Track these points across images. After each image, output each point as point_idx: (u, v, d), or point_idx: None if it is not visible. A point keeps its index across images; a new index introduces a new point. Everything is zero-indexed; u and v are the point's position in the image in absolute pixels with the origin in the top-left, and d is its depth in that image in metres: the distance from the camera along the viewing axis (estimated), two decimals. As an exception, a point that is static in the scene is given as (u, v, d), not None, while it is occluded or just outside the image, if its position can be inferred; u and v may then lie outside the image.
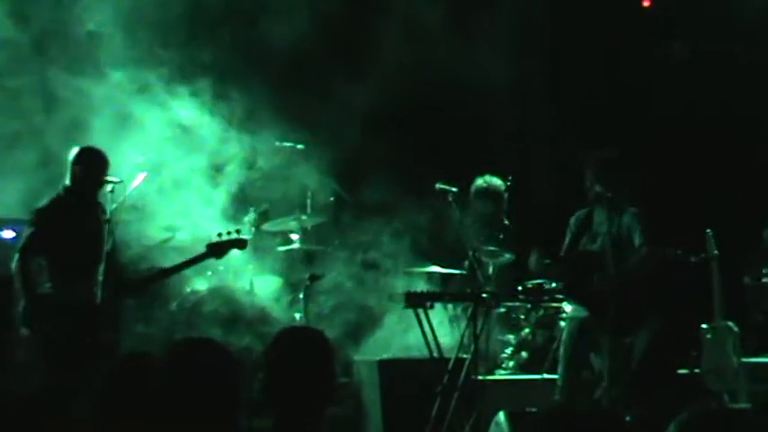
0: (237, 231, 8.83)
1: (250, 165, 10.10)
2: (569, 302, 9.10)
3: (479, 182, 10.43)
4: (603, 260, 8.63)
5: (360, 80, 10.17)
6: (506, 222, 10.40)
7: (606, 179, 8.71)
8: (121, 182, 8.68)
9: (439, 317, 9.51)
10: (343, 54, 10.31)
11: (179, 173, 9.84)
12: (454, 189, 9.97)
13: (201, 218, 9.88)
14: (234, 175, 10.07)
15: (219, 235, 8.79)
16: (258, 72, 9.95)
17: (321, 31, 10.18)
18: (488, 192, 10.38)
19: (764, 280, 9.84)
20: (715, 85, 11.17)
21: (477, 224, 10.32)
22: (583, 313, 8.76)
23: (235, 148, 9.99)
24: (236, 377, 4.62)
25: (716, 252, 9.75)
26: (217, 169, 9.97)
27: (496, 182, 10.47)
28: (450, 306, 9.51)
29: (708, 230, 9.90)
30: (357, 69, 10.15)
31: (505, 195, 10.45)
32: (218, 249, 8.72)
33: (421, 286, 9.83)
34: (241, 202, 10.15)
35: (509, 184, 10.50)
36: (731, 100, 11.18)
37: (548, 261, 8.80)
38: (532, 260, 8.77)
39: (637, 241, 8.65)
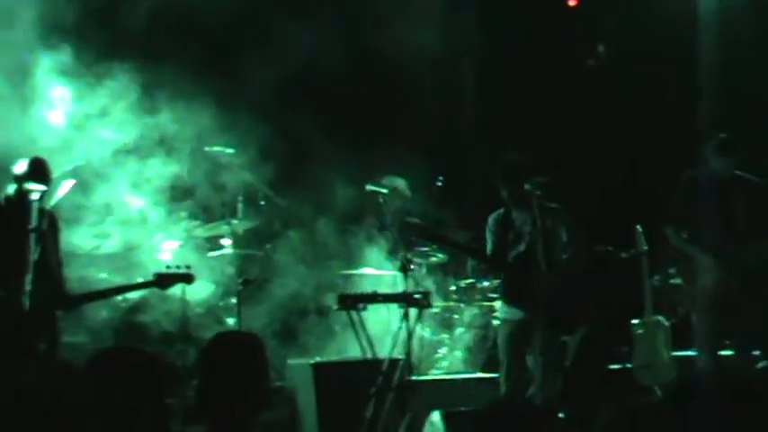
0: (188, 267, 8.84)
1: (180, 170, 10.07)
2: (505, 303, 9.02)
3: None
4: (534, 260, 8.59)
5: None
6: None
7: (511, 181, 8.68)
8: (47, 190, 8.48)
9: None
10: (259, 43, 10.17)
11: (106, 177, 9.81)
12: (384, 190, 10.04)
13: (131, 225, 9.88)
14: (162, 179, 9.99)
15: (168, 267, 8.81)
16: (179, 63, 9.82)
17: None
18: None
19: (672, 281, 9.79)
20: (636, 84, 11.22)
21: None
22: (518, 315, 8.74)
23: (160, 150, 9.94)
24: (164, 386, 4.60)
25: (645, 248, 9.77)
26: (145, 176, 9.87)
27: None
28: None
29: (637, 226, 9.94)
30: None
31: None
32: (164, 281, 8.73)
33: (355, 288, 9.87)
34: (170, 207, 10.08)
35: (440, 183, 10.53)
36: (653, 99, 11.25)
37: (482, 266, 9.01)
38: (470, 268, 9.03)
39: (564, 239, 8.64)
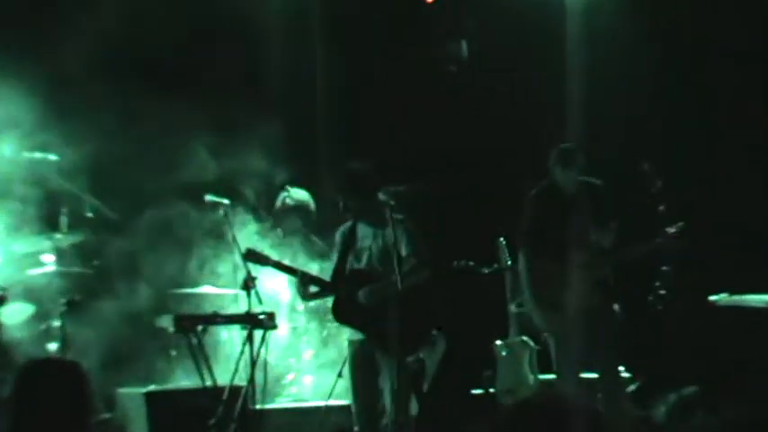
0: (3, 289, 8.50)
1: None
2: (340, 324, 8.57)
3: (285, 196, 9.98)
4: (371, 278, 8.19)
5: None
6: (314, 238, 9.99)
7: (356, 192, 8.25)
8: None
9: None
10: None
11: None
12: (226, 201, 9.30)
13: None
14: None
15: None
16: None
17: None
18: (296, 207, 9.98)
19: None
20: (497, 87, 10.77)
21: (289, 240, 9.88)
22: (359, 336, 8.25)
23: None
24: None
25: (509, 263, 9.15)
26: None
27: (302, 195, 10.05)
28: None
29: (501, 239, 9.41)
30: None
31: (313, 208, 10.06)
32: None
33: (194, 308, 9.40)
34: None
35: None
36: (513, 101, 10.80)
37: (315, 289, 8.38)
38: (300, 290, 8.37)
39: (404, 252, 8.08)
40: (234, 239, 9.01)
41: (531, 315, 8.53)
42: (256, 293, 8.78)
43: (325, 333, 9.71)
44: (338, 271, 8.41)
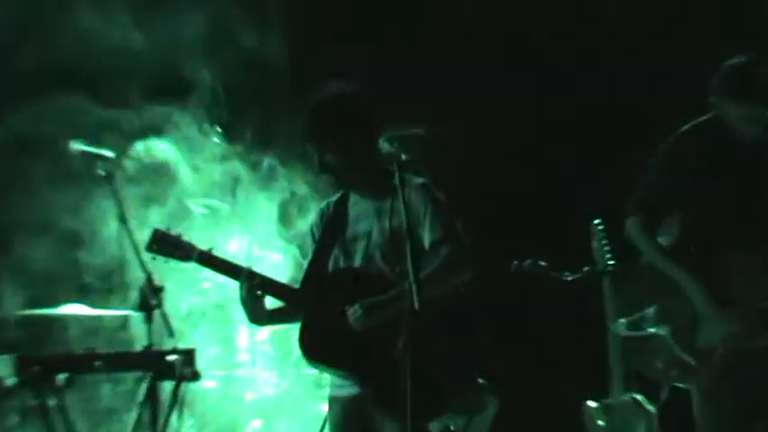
0: None
1: None
2: (311, 366, 6.05)
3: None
4: (370, 285, 5.69)
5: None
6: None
7: (351, 135, 5.76)
8: None
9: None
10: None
11: None
12: (106, 152, 6.63)
13: None
14: None
15: None
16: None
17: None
18: None
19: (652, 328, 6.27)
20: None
21: None
22: (348, 389, 5.77)
23: None
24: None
25: (611, 261, 6.67)
26: None
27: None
28: None
29: (595, 222, 6.82)
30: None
31: None
32: None
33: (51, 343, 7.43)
34: None
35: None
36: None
37: (274, 306, 5.88)
38: (247, 305, 5.87)
39: (427, 240, 5.66)
40: (122, 219, 6.38)
41: (656, 346, 5.74)
42: (163, 317, 6.28)
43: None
44: (312, 274, 5.87)
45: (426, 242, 5.53)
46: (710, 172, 5.69)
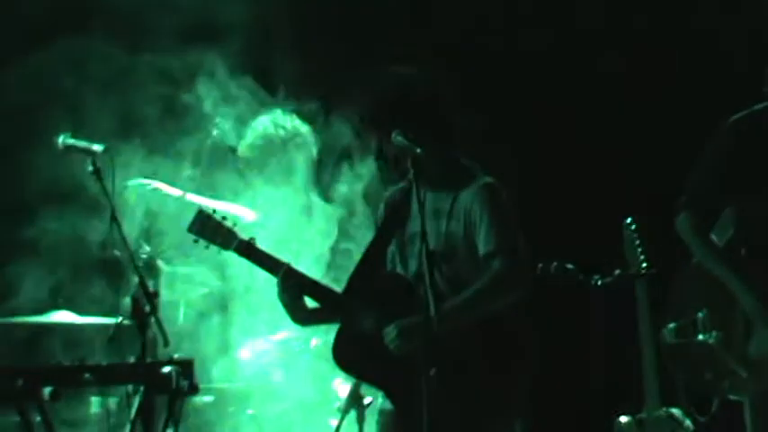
0: None
1: None
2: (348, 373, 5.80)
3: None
4: (416, 300, 5.22)
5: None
6: None
7: (417, 115, 5.30)
8: None
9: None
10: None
11: None
12: (96, 146, 6.06)
13: None
14: None
15: None
16: None
17: None
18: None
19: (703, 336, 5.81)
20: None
21: None
22: (388, 403, 5.43)
23: None
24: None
25: (646, 263, 6.37)
26: None
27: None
28: None
29: (628, 221, 6.63)
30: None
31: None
32: None
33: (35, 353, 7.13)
34: None
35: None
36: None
37: (312, 305, 5.54)
38: (285, 302, 5.65)
39: (482, 248, 5.21)
40: (114, 219, 5.83)
41: (706, 355, 5.25)
42: (158, 325, 5.83)
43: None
44: (362, 272, 5.43)
45: (480, 251, 5.13)
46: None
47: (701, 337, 5.11)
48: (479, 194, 5.16)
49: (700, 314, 5.10)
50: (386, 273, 5.33)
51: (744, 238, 5.07)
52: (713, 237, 5.12)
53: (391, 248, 5.41)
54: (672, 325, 5.35)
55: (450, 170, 5.26)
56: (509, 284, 5.14)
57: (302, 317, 5.44)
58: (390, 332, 5.11)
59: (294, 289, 5.30)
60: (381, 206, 5.64)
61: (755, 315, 5.03)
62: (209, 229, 5.51)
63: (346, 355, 5.36)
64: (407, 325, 5.08)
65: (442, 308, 4.84)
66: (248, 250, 5.45)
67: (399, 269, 5.30)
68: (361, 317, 5.30)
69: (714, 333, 5.04)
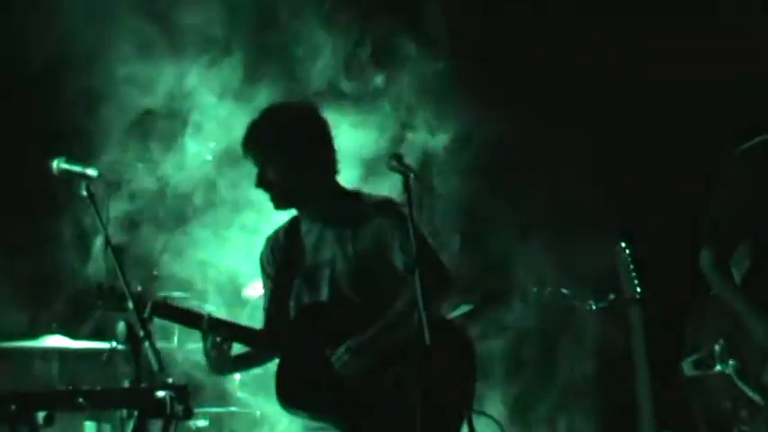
0: None
1: None
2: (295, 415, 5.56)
3: None
4: (346, 321, 5.34)
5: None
6: None
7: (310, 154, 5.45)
8: None
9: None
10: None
11: None
12: (90, 171, 5.86)
13: None
14: None
15: None
16: None
17: None
18: None
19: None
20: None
21: None
22: None
23: None
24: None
25: (639, 288, 6.33)
26: None
27: None
28: None
29: (621, 244, 6.52)
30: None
31: None
32: None
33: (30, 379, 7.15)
34: None
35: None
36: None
37: (238, 350, 5.53)
38: (209, 353, 5.51)
39: (398, 263, 5.34)
40: (107, 242, 5.67)
41: (724, 385, 5.22)
42: (152, 348, 5.61)
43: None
44: (274, 314, 5.47)
45: (399, 265, 5.21)
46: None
47: (718, 367, 5.10)
48: (383, 211, 5.30)
49: (716, 346, 5.10)
50: (301, 306, 5.32)
51: (759, 267, 5.09)
52: (734, 269, 5.16)
53: (295, 284, 5.40)
54: (690, 358, 5.37)
55: (335, 197, 5.36)
56: (439, 289, 5.23)
57: (225, 366, 5.41)
58: (341, 356, 5.12)
59: (222, 337, 5.25)
60: (265, 250, 5.64)
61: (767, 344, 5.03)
62: (112, 298, 5.53)
63: (295, 393, 5.31)
64: (356, 344, 5.12)
65: (382, 324, 5.06)
66: (163, 309, 5.38)
67: (306, 299, 5.32)
68: (297, 351, 5.27)
69: (731, 362, 5.04)
